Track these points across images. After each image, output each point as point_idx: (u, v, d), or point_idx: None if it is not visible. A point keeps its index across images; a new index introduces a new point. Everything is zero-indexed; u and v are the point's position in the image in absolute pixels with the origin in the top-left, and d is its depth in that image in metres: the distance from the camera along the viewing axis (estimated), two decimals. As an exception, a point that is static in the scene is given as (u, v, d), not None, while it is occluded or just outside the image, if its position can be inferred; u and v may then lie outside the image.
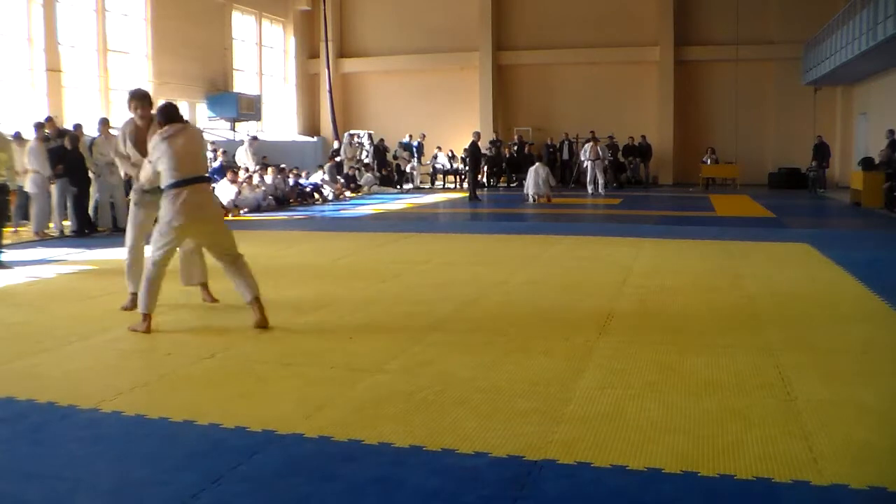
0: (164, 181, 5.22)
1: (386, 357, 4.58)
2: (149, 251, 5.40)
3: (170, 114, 5.34)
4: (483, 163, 24.41)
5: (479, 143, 20.19)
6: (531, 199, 17.67)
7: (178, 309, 5.75)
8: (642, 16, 24.57)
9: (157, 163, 5.25)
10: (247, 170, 16.85)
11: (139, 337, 5.18)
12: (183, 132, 5.31)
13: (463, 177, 24.07)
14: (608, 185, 22.57)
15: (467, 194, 19.18)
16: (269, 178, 16.84)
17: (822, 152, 21.35)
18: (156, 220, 5.48)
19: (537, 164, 18.42)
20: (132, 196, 5.80)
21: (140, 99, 5.61)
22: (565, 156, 24.32)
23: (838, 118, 23.37)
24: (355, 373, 4.29)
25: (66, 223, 12.09)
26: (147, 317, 5.26)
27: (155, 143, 5.26)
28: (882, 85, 19.53)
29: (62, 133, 12.26)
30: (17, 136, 11.88)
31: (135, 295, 5.68)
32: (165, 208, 5.21)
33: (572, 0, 24.99)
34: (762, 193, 20.38)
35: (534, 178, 17.73)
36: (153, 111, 5.64)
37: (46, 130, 12.15)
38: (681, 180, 24.42)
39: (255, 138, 19.32)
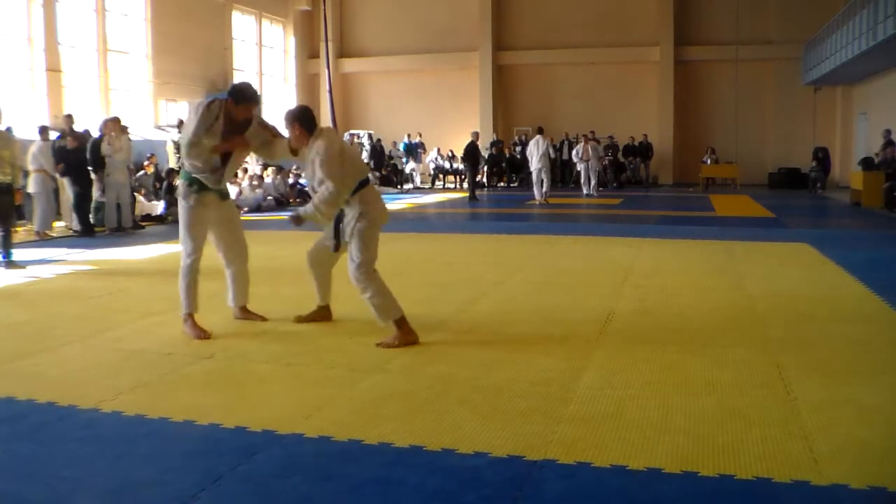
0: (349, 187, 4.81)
1: (386, 357, 4.57)
2: (357, 266, 4.85)
3: (313, 120, 4.94)
4: (483, 163, 24.42)
5: (478, 143, 20.08)
6: (538, 184, 17.10)
7: (178, 309, 5.74)
8: (642, 16, 24.58)
9: (347, 173, 4.75)
10: (245, 170, 16.86)
11: (139, 337, 5.18)
12: (333, 133, 5.04)
13: (463, 177, 24.08)
14: (607, 185, 22.60)
15: (467, 194, 19.15)
16: (268, 178, 16.86)
17: (823, 159, 21.33)
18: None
19: (538, 136, 17.50)
20: (185, 192, 5.12)
21: (258, 103, 5.29)
22: (565, 156, 24.33)
23: (838, 118, 23.38)
24: (355, 373, 4.29)
25: (62, 223, 12.16)
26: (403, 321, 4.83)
27: (334, 154, 4.74)
28: (882, 85, 19.53)
29: (73, 132, 12.26)
30: (8, 130, 11.87)
31: (191, 315, 5.21)
32: (368, 213, 4.85)
33: (572, 0, 25.00)
34: (762, 193, 20.38)
35: (534, 150, 17.04)
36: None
37: (58, 131, 12.17)
38: (681, 180, 24.43)
39: None
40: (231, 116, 5.08)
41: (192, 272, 5.24)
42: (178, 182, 5.26)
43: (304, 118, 4.91)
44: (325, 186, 4.72)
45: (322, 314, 5.53)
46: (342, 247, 5.01)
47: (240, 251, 5.52)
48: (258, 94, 5.27)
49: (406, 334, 4.82)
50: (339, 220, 4.97)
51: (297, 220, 4.97)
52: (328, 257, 5.26)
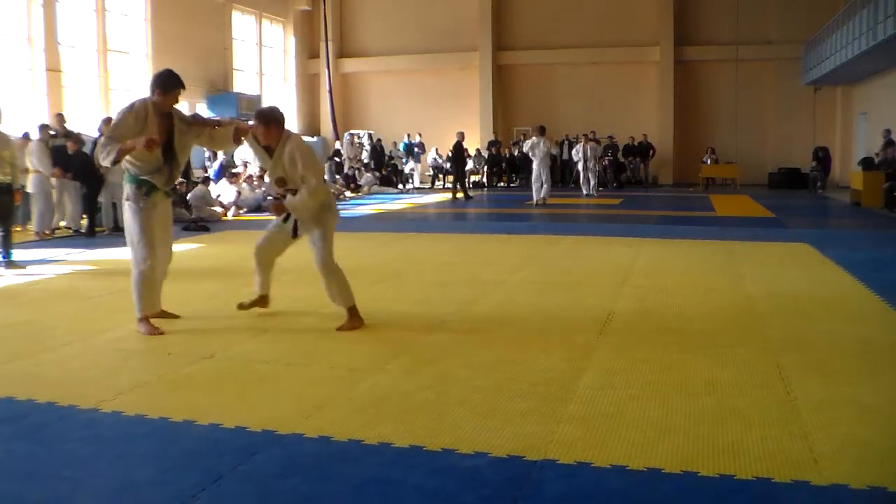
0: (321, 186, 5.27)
1: (386, 357, 4.58)
2: (328, 257, 5.33)
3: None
4: (483, 163, 24.39)
5: (464, 143, 19.63)
6: (537, 184, 16.83)
7: (178, 309, 5.75)
8: (642, 16, 24.58)
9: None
10: (246, 165, 16.86)
11: (139, 337, 5.18)
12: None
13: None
14: (607, 185, 22.61)
15: (462, 194, 19.05)
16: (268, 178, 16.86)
17: (823, 159, 21.32)
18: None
19: (536, 136, 16.96)
20: (135, 195, 5.11)
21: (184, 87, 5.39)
22: (565, 156, 24.33)
23: (838, 118, 23.39)
24: (355, 373, 4.29)
25: (63, 223, 12.18)
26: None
27: (314, 154, 5.27)
28: (882, 85, 19.53)
29: (68, 133, 12.27)
30: (26, 137, 11.91)
31: (146, 319, 5.23)
32: (331, 207, 5.40)
33: (572, 0, 25.00)
34: (762, 193, 20.38)
35: (535, 150, 16.67)
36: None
37: (52, 130, 12.17)
38: (681, 180, 24.43)
39: None
40: (161, 110, 5.09)
41: (148, 278, 5.20)
42: (125, 186, 5.18)
43: (282, 119, 5.25)
44: (310, 183, 5.09)
45: (263, 302, 5.70)
46: (299, 235, 5.43)
47: (169, 251, 5.52)
48: (181, 78, 5.27)
49: (357, 320, 5.32)
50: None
51: (281, 210, 5.29)
52: (277, 252, 5.62)
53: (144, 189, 5.12)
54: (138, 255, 5.19)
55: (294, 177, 5.12)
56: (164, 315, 5.56)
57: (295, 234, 5.40)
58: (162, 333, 5.15)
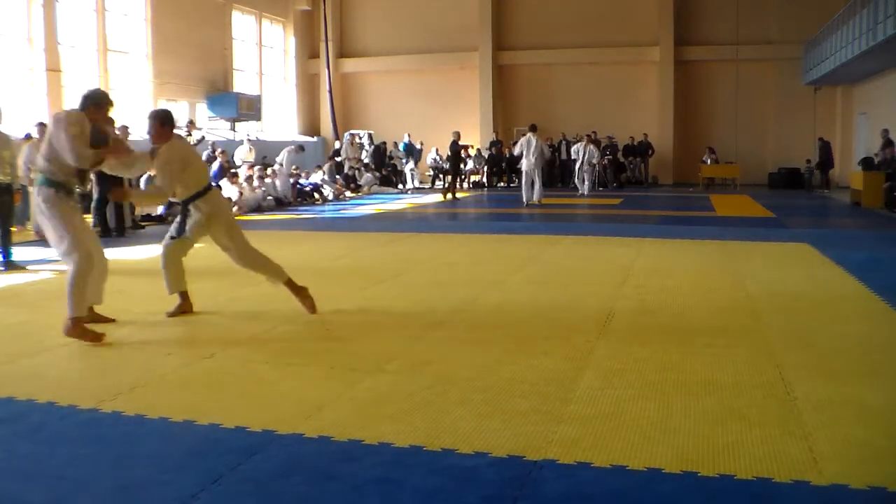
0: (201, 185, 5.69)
1: (386, 357, 4.58)
2: (244, 252, 5.68)
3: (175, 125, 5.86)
4: (483, 163, 24.38)
5: (459, 143, 19.51)
6: (527, 186, 16.47)
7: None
8: (642, 16, 24.57)
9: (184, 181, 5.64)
10: (250, 165, 16.88)
11: (139, 337, 5.18)
12: (182, 144, 5.94)
13: (463, 177, 24.05)
14: (607, 185, 22.62)
15: (450, 195, 19.00)
16: (278, 180, 16.92)
17: (822, 149, 21.33)
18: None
19: (529, 134, 16.56)
20: (55, 198, 5.09)
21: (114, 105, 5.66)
22: (565, 156, 24.31)
23: (838, 118, 23.38)
24: (355, 373, 4.29)
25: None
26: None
27: (172, 162, 5.54)
28: (882, 85, 19.53)
29: None
30: (28, 137, 11.90)
31: (81, 319, 5.11)
32: (218, 212, 5.68)
33: (572, 0, 25.00)
34: (762, 193, 20.38)
35: (526, 149, 16.25)
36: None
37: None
38: (681, 180, 24.43)
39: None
40: (93, 123, 5.22)
41: (85, 275, 5.17)
42: (39, 190, 5.13)
43: (172, 122, 5.77)
44: (158, 186, 5.65)
45: (188, 304, 5.81)
46: (188, 237, 5.75)
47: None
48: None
49: (298, 292, 5.71)
50: (184, 217, 5.68)
51: (120, 196, 5.92)
52: (184, 251, 5.84)
53: (62, 192, 5.14)
54: (72, 253, 5.14)
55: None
56: (99, 319, 5.50)
57: (179, 236, 5.75)
58: (102, 336, 5.01)
